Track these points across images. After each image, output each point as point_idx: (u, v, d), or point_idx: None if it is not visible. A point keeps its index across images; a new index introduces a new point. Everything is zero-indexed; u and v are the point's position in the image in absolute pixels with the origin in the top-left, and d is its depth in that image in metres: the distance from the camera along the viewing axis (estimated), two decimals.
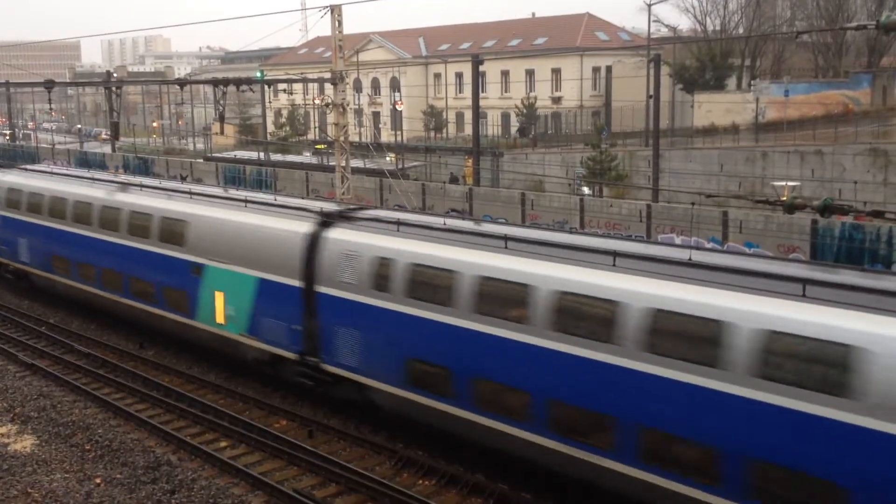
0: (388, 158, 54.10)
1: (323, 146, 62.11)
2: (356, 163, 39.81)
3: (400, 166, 49.49)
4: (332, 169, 38.92)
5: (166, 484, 16.79)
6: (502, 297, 15.85)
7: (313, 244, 19.59)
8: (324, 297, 19.22)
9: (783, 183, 34.98)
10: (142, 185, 27.05)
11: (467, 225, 19.24)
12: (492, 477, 16.66)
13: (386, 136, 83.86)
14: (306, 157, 61.25)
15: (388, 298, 17.76)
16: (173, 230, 23.45)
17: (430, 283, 17.09)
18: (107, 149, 72.44)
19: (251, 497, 16.41)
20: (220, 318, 22.07)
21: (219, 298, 22.01)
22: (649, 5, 72.02)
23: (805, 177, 47.31)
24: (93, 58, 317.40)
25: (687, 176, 50.33)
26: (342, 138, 32.17)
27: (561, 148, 64.10)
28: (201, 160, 60.03)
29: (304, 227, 20.12)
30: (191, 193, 24.79)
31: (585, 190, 46.95)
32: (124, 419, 20.40)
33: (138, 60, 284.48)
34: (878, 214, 15.32)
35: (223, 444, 19.13)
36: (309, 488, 16.80)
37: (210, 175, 49.75)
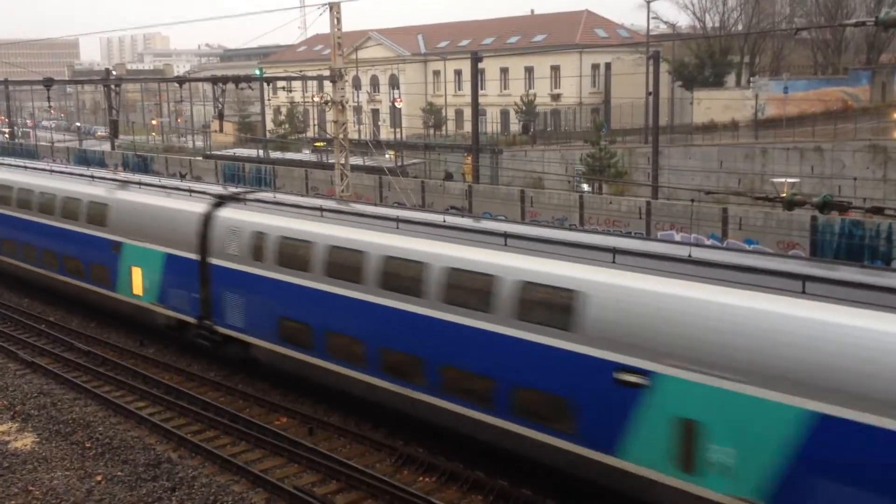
0: (387, 156, 54.09)
1: (322, 144, 62.14)
2: (355, 160, 39.82)
3: (399, 164, 49.48)
4: (331, 166, 38.93)
5: (167, 481, 16.80)
6: (345, 263, 18.80)
7: (207, 222, 22.41)
8: (214, 267, 22.14)
9: (783, 180, 34.99)
10: (72, 174, 30.60)
11: (329, 204, 22.28)
12: (492, 474, 16.68)
13: (385, 134, 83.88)
14: (305, 155, 61.28)
15: (262, 267, 20.71)
16: (98, 213, 26.27)
17: (293, 253, 20.08)
18: (106, 146, 72.43)
19: (252, 494, 16.42)
20: (136, 290, 24.81)
21: (135, 272, 24.71)
22: (648, 2, 72.11)
23: (804, 173, 47.36)
24: (91, 56, 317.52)
25: (686, 173, 50.35)
26: (341, 136, 32.17)
27: (560, 145, 64.10)
28: (200, 158, 60.00)
29: (200, 207, 22.94)
30: (115, 180, 28.44)
31: (585, 187, 46.95)
32: (124, 417, 20.40)
33: (137, 58, 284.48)
34: (878, 211, 15.31)
35: (223, 441, 19.15)
36: (309, 485, 16.81)
37: (209, 173, 49.75)
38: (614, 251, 15.04)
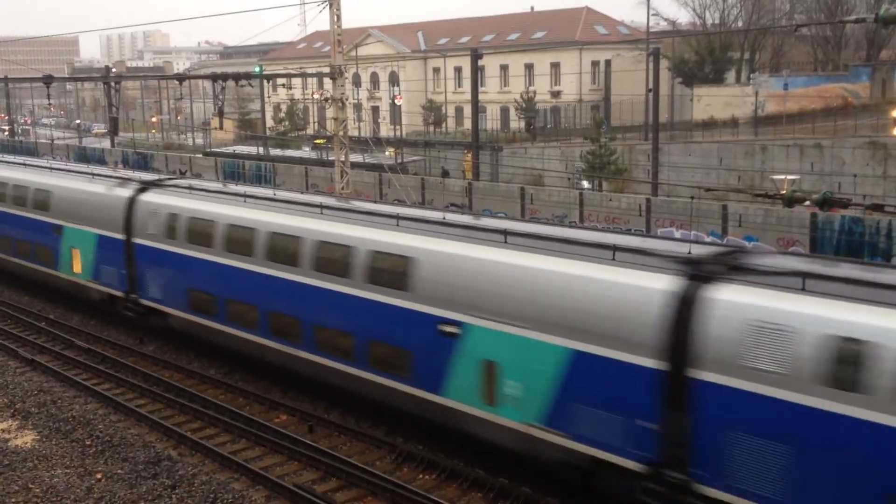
0: (387, 153, 54.03)
1: (322, 141, 62.07)
2: (355, 157, 39.79)
3: (399, 161, 49.45)
4: (331, 164, 38.90)
5: (167, 479, 16.80)
6: (241, 239, 21.16)
7: (131, 205, 24.97)
8: (138, 246, 24.67)
9: (782, 176, 35.00)
10: (25, 164, 34.00)
11: (233, 188, 25.31)
12: (492, 471, 16.70)
13: (385, 131, 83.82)
14: (305, 152, 61.23)
15: (175, 244, 23.23)
16: (41, 199, 29.10)
17: (200, 232, 22.49)
18: (105, 143, 72.38)
19: (252, 492, 16.43)
20: (76, 269, 27.47)
21: (74, 253, 27.39)
22: None
23: (804, 170, 47.34)
24: (91, 53, 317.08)
25: (686, 170, 50.28)
26: (341, 133, 32.15)
27: (560, 142, 64.04)
28: (200, 155, 59.98)
29: (127, 192, 25.49)
30: (51, 168, 32.07)
31: (585, 184, 46.93)
32: (125, 414, 20.41)
33: (137, 55, 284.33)
34: (878, 208, 15.31)
35: (223, 438, 19.15)
36: (310, 483, 16.82)
37: (209, 170, 49.73)
38: (443, 223, 18.42)
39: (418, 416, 17.73)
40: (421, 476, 17.14)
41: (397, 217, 19.01)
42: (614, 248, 15.08)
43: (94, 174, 29.04)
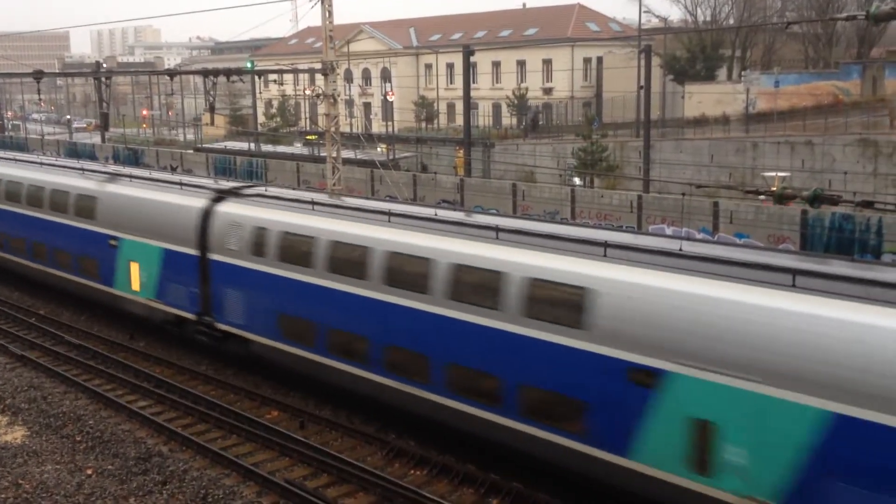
0: (379, 149, 53.97)
1: (314, 137, 61.94)
2: (347, 154, 39.73)
3: (391, 157, 49.42)
4: (323, 160, 38.83)
5: (157, 475, 16.78)
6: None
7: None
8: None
9: (773, 173, 35.05)
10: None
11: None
12: (483, 467, 16.71)
13: (377, 127, 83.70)
14: (297, 148, 61.10)
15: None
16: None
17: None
18: (96, 139, 72.12)
19: (243, 488, 16.42)
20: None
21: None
22: None
23: (795, 167, 47.41)
24: (82, 48, 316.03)
25: (677, 167, 50.35)
26: (333, 129, 32.09)
27: (552, 139, 64.04)
28: (192, 151, 59.81)
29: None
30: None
31: (576, 181, 46.94)
32: (115, 410, 20.37)
33: (128, 51, 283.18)
34: (868, 205, 15.36)
35: (214, 434, 19.13)
36: (301, 478, 16.82)
37: (200, 166, 49.60)
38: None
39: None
40: (412, 472, 17.16)
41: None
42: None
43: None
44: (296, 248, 19.71)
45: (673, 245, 15.43)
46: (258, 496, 16.13)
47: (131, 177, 26.91)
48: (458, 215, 19.34)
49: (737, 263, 13.94)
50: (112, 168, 30.41)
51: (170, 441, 18.68)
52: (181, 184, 24.74)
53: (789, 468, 12.12)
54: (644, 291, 13.71)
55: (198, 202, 22.75)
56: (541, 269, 15.13)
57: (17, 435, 18.90)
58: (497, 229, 16.73)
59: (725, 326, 12.72)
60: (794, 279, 12.80)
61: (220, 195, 22.80)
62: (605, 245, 14.97)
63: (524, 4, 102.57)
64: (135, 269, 24.52)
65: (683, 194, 28.77)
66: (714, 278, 13.38)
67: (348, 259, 18.53)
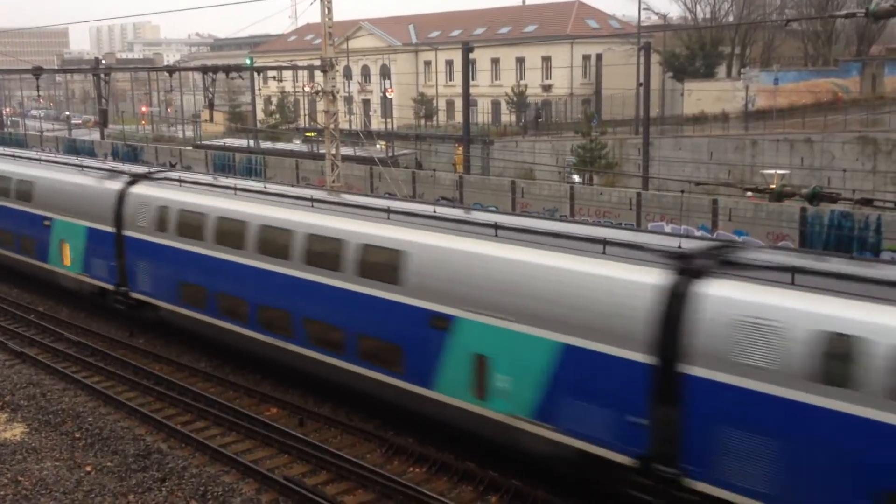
0: (378, 146, 53.96)
1: (313, 134, 61.92)
2: (346, 150, 39.72)
3: (390, 154, 49.41)
4: (322, 157, 38.82)
5: (157, 472, 16.79)
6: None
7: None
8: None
9: (773, 171, 35.04)
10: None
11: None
12: (482, 464, 16.72)
13: (376, 124, 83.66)
14: (296, 145, 61.09)
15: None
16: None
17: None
18: (95, 135, 72.06)
19: (242, 484, 16.42)
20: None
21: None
22: None
23: (794, 165, 47.41)
24: (81, 45, 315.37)
25: (676, 164, 50.39)
26: (332, 126, 32.08)
27: (551, 136, 64.03)
28: (190, 147, 59.78)
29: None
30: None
31: (576, 178, 46.94)
32: (114, 407, 20.37)
33: (127, 47, 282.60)
34: (867, 202, 15.36)
35: (213, 431, 19.13)
36: (300, 475, 16.83)
37: (199, 162, 49.57)
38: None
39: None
40: (411, 469, 17.16)
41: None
42: None
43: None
44: (191, 224, 22.54)
45: (485, 217, 18.30)
46: (257, 493, 16.13)
47: (64, 164, 30.13)
48: (321, 194, 22.69)
49: (518, 229, 16.56)
50: (44, 155, 34.55)
51: (169, 438, 18.68)
52: (105, 169, 27.66)
53: (538, 389, 15.03)
54: (439, 252, 16.74)
55: (115, 185, 25.48)
56: (371, 236, 18.09)
57: (16, 432, 18.91)
58: (345, 205, 20.50)
59: (494, 278, 15.67)
60: (548, 239, 15.86)
61: (135, 178, 25.50)
62: (425, 216, 18.05)
63: (523, 1, 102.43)
64: (66, 246, 27.20)
65: (682, 192, 28.76)
66: (492, 240, 16.24)
67: (230, 232, 21.22)
